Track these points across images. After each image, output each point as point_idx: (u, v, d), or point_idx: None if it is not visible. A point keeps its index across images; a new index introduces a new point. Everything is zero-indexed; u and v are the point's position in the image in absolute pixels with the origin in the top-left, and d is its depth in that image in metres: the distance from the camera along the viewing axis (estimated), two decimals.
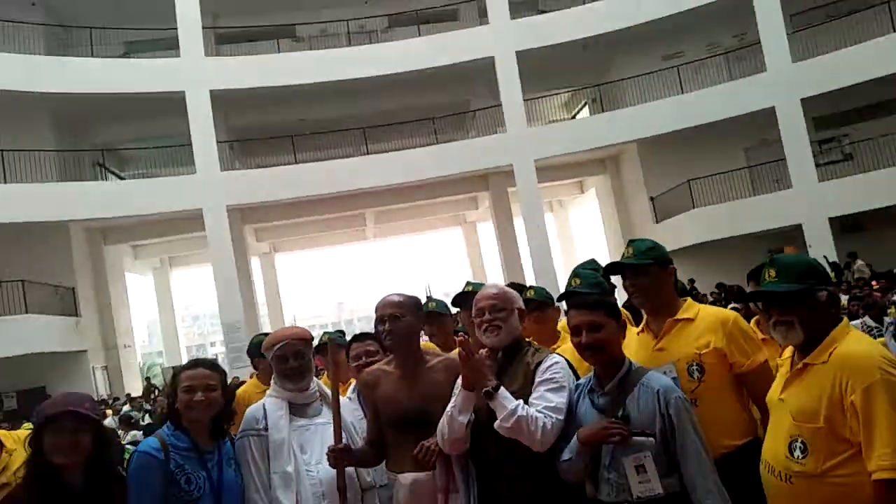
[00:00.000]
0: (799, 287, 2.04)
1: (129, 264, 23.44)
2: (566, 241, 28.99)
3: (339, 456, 2.48)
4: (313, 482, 2.55)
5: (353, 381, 3.19)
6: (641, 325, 2.73)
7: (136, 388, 19.94)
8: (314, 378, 2.80)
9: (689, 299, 2.68)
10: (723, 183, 18.45)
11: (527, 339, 2.62)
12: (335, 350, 3.72)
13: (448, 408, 2.39)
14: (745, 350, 2.45)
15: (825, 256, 15.41)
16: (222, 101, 18.62)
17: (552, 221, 27.87)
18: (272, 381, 2.81)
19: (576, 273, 3.08)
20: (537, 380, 2.37)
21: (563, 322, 3.36)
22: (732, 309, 9.05)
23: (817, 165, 17.44)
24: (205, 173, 18.16)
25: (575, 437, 2.22)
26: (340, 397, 2.74)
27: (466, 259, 28.87)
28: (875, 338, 6.50)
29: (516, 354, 2.50)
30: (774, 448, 2.09)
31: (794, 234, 17.59)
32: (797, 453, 1.98)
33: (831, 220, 16.81)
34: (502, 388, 2.29)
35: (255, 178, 19.47)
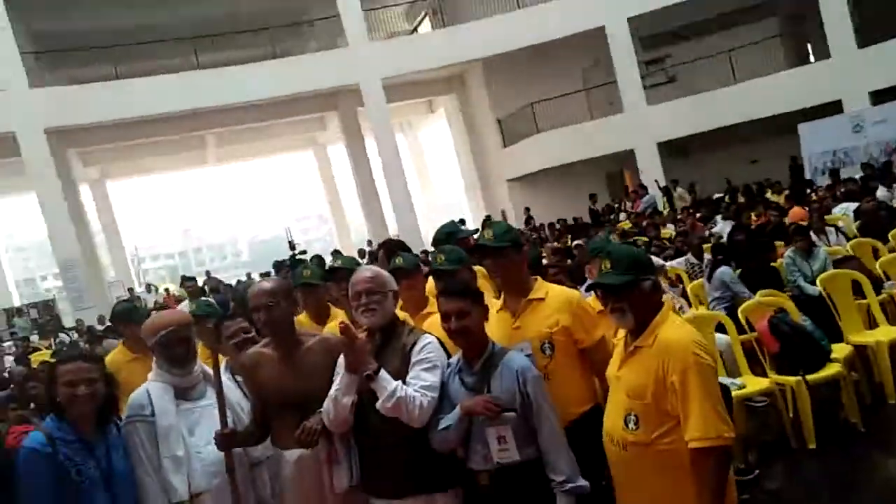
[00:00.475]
0: (627, 279, 2.31)
1: None
2: (419, 162, 29.17)
3: (226, 438, 2.54)
4: (205, 463, 2.60)
5: (225, 360, 3.11)
6: (500, 304, 2.94)
7: None
8: (197, 361, 2.80)
9: (539, 279, 2.97)
10: (564, 106, 19.17)
11: (401, 320, 2.74)
12: (205, 326, 3.59)
13: (332, 391, 2.49)
14: (585, 327, 2.77)
15: (656, 181, 16.74)
16: (20, 2, 16.31)
17: (404, 142, 27.85)
18: (154, 366, 2.78)
19: (439, 250, 3.23)
20: (413, 359, 2.54)
21: (430, 286, 3.43)
22: (574, 245, 9.53)
23: (644, 88, 18.52)
24: (12, 91, 15.98)
25: (458, 407, 2.42)
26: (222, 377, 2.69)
27: (321, 183, 28.23)
28: (697, 276, 7.18)
29: (392, 335, 2.65)
30: (612, 421, 2.38)
31: (627, 157, 18.83)
32: (631, 425, 2.28)
33: (659, 144, 18.09)
34: (382, 370, 2.44)
35: (74, 95, 17.19)
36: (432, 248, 4.00)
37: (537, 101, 19.08)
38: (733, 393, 4.49)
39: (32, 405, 4.90)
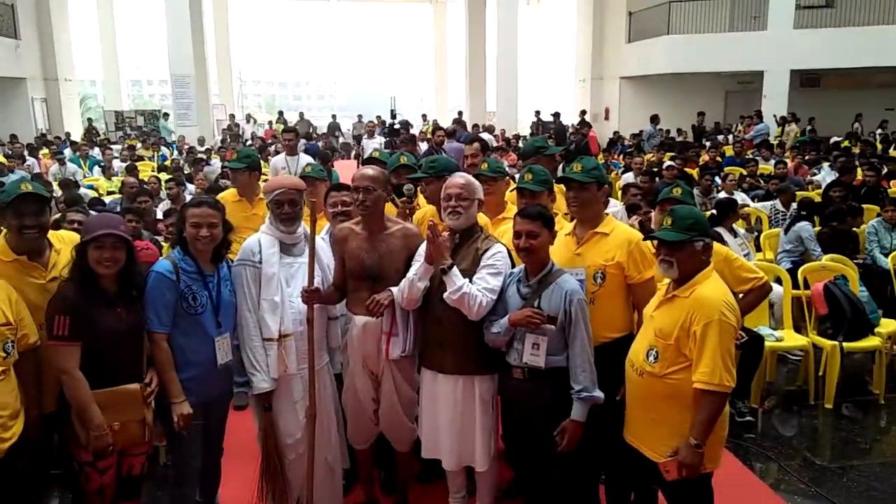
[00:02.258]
0: (681, 237, 2.60)
1: None
2: (535, 37, 28.24)
3: (311, 295, 2.98)
4: (293, 311, 3.06)
5: (327, 224, 3.58)
6: (570, 228, 3.23)
7: (74, 127, 19.56)
8: (302, 222, 3.19)
9: (610, 215, 3.23)
10: (703, 11, 18.00)
11: (479, 225, 3.10)
12: (317, 189, 4.08)
13: (409, 274, 2.93)
14: (638, 266, 3.03)
15: (774, 115, 15.86)
16: None
17: (526, 15, 26.91)
18: (267, 220, 3.20)
19: (529, 169, 3.46)
20: (482, 263, 2.90)
21: (510, 194, 3.77)
22: (666, 166, 9.47)
23: (797, 7, 17.08)
24: None
25: (506, 318, 2.83)
26: (317, 238, 3.16)
27: (432, 39, 27.90)
28: (779, 223, 7.14)
29: (469, 238, 3.01)
30: (637, 351, 2.75)
31: (752, 79, 17.74)
32: (651, 358, 2.65)
33: (793, 72, 16.94)
34: (455, 267, 2.84)
35: None
36: (521, 150, 4.28)
37: (676, 1, 17.97)
38: (769, 343, 4.78)
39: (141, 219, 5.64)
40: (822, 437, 4.65)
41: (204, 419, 2.99)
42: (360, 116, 21.56)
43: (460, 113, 20.08)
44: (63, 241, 2.94)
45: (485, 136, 15.70)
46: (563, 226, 3.27)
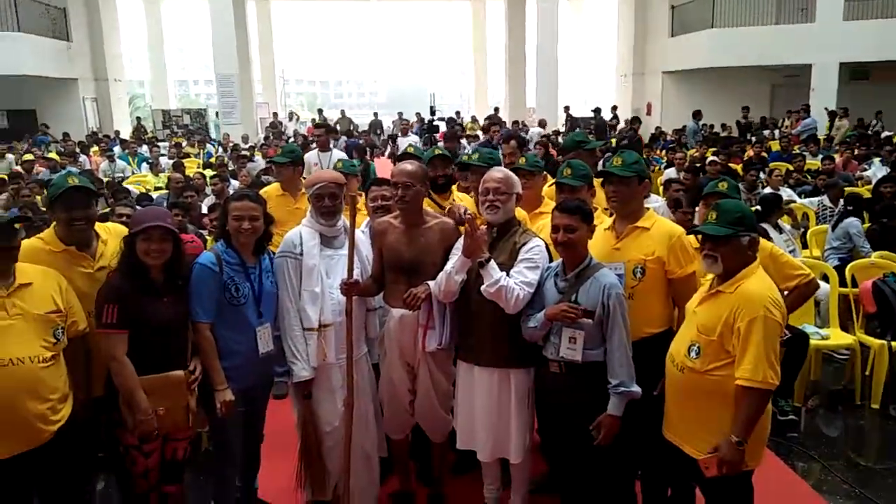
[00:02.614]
0: (727, 232, 2.55)
1: None
2: (576, 32, 28.01)
3: (350, 287, 3.04)
4: (333, 302, 3.13)
5: (367, 218, 3.65)
6: (609, 223, 3.20)
7: (123, 125, 20.13)
8: (342, 216, 3.24)
9: (651, 210, 3.18)
10: (748, 3, 17.58)
11: (517, 219, 3.11)
12: (349, 183, 4.13)
13: (448, 266, 2.95)
14: (679, 262, 2.98)
15: (826, 108, 15.42)
16: None
17: (566, 10, 26.72)
18: (308, 213, 3.27)
19: (568, 164, 3.43)
20: (520, 257, 2.91)
21: (548, 189, 3.76)
22: (709, 161, 9.27)
23: None
24: None
25: (543, 312, 2.82)
26: (357, 231, 3.22)
27: (471, 37, 27.89)
28: (826, 220, 6.95)
29: (507, 232, 3.02)
30: (678, 346, 2.70)
31: (799, 72, 17.28)
32: (692, 354, 2.60)
33: (842, 65, 16.44)
34: (492, 261, 2.86)
35: None
36: (560, 144, 4.24)
37: None
38: (814, 342, 4.68)
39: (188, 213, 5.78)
40: (868, 438, 4.54)
41: (245, 406, 3.07)
42: (399, 114, 21.71)
43: (496, 109, 20.04)
44: (110, 233, 3.05)
45: (535, 129, 15.67)
46: (603, 220, 3.25)
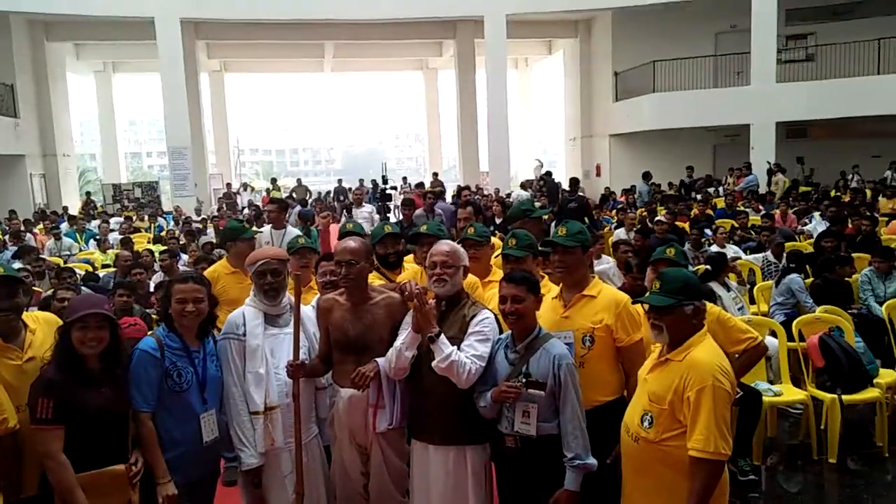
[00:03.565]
0: (669, 302, 2.57)
1: (71, 64, 22.32)
2: (525, 100, 28.94)
3: (296, 369, 2.98)
4: (279, 383, 3.05)
5: (317, 295, 3.58)
6: (556, 292, 3.20)
7: (72, 200, 19.77)
8: (286, 293, 3.20)
9: (596, 278, 3.24)
10: (687, 69, 18.47)
11: (465, 292, 3.08)
12: (307, 260, 4.14)
13: (397, 343, 2.91)
14: (627, 329, 3.03)
15: (768, 161, 16.11)
16: None
17: (515, 78, 27.64)
18: (251, 292, 3.21)
19: (513, 234, 3.47)
20: (470, 330, 2.88)
21: (497, 259, 3.78)
22: (655, 221, 9.50)
23: (779, 62, 17.51)
24: None
25: (489, 394, 2.80)
26: (305, 308, 3.18)
27: (424, 105, 28.53)
28: (772, 275, 7.14)
29: (456, 305, 3.00)
30: (632, 415, 2.69)
31: (739, 132, 18.09)
32: (646, 423, 2.58)
33: (779, 123, 17.27)
34: (443, 335, 2.82)
35: None
36: (508, 215, 4.28)
37: (660, 60, 18.48)
38: (767, 399, 4.72)
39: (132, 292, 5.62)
40: (828, 493, 4.54)
41: (189, 500, 2.92)
42: (361, 181, 21.84)
43: (435, 174, 20.38)
44: (38, 322, 2.94)
45: (518, 192, 15.88)
46: (550, 289, 3.28)
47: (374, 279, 3.50)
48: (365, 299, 3.10)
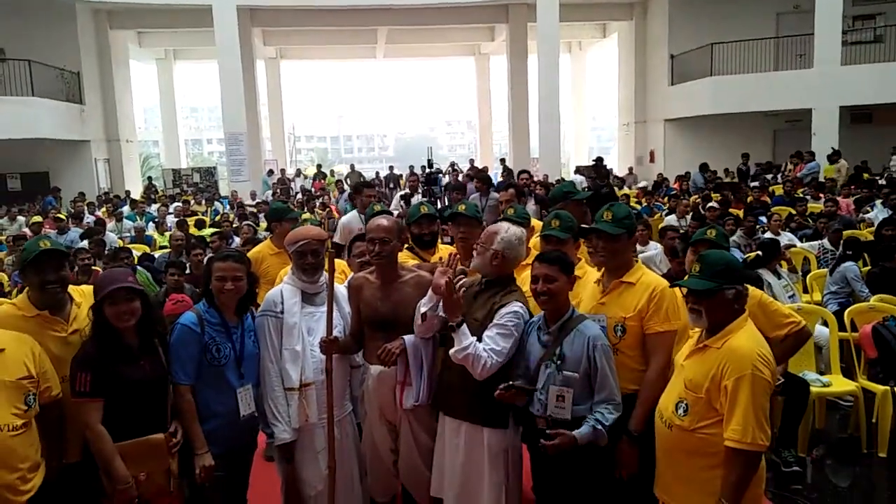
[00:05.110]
0: (709, 286, 2.48)
1: (134, 52, 23.01)
2: (578, 84, 28.48)
3: (329, 345, 3.03)
4: (314, 360, 3.11)
5: (352, 274, 3.64)
6: (598, 275, 3.11)
7: (134, 185, 20.49)
8: (323, 272, 3.23)
9: (639, 264, 3.08)
10: (746, 51, 17.84)
11: (511, 279, 3.02)
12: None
13: (422, 305, 2.92)
14: (657, 317, 2.87)
15: (832, 147, 15.47)
16: None
17: (568, 63, 27.21)
18: (290, 271, 3.28)
19: (556, 215, 3.40)
20: (495, 320, 2.83)
21: (535, 241, 3.75)
22: (708, 207, 9.23)
23: (844, 44, 16.73)
24: None
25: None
26: (339, 287, 3.22)
27: (475, 91, 28.42)
28: (828, 263, 6.89)
29: (492, 288, 2.97)
30: (666, 402, 2.62)
31: (801, 117, 17.41)
32: (680, 411, 2.52)
33: (843, 108, 16.55)
34: (464, 325, 2.80)
35: None
36: (549, 196, 4.22)
37: (718, 43, 17.89)
38: (815, 390, 4.58)
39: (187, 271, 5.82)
40: (877, 488, 4.39)
41: (225, 471, 3.01)
42: (411, 167, 21.98)
43: (503, 161, 20.29)
44: (84, 295, 3.05)
45: (577, 177, 15.70)
46: (587, 271, 3.21)
47: (409, 259, 3.53)
48: (395, 277, 3.13)
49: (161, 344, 2.91)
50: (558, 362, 2.74)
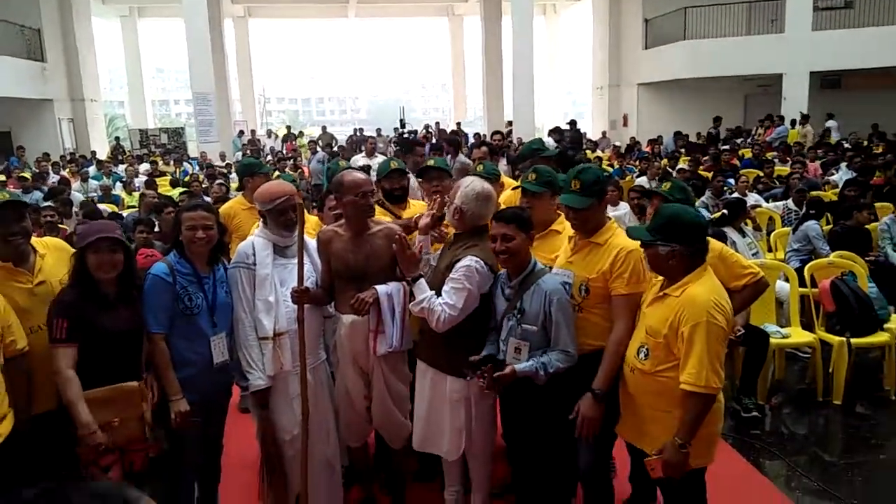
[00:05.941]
0: (645, 238, 2.65)
1: (97, 9, 22.33)
2: (553, 48, 28.36)
3: (301, 295, 3.04)
4: (288, 310, 3.12)
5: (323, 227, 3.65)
6: (570, 233, 3.08)
7: (100, 145, 20.03)
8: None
9: (610, 223, 3.01)
10: (719, 15, 17.91)
11: (481, 234, 3.04)
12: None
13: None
14: (621, 279, 2.83)
15: (801, 112, 15.69)
16: None
17: (542, 25, 27.04)
18: (260, 224, 3.29)
19: (534, 169, 3.35)
20: (451, 274, 2.89)
21: (507, 194, 3.79)
22: (678, 169, 9.32)
23: (815, 9, 16.88)
24: None
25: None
26: (310, 240, 3.23)
27: (449, 53, 28.14)
28: (792, 223, 7.03)
29: (458, 242, 3.04)
30: (630, 348, 2.76)
31: (772, 82, 17.59)
32: (641, 355, 2.66)
33: (813, 73, 16.75)
34: (422, 279, 2.91)
35: None
36: (518, 154, 4.27)
37: (692, 6, 17.91)
38: (775, 340, 4.75)
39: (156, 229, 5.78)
40: (831, 434, 4.59)
41: (201, 416, 3.05)
42: (378, 130, 21.81)
43: (458, 124, 20.24)
44: (47, 247, 3.02)
45: (548, 139, 15.68)
46: (566, 227, 3.21)
47: (382, 215, 3.55)
48: (364, 229, 3.17)
49: (139, 296, 2.92)
50: (518, 316, 2.82)
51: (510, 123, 19.51)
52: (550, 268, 3.03)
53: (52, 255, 2.97)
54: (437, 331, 2.87)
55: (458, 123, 20.55)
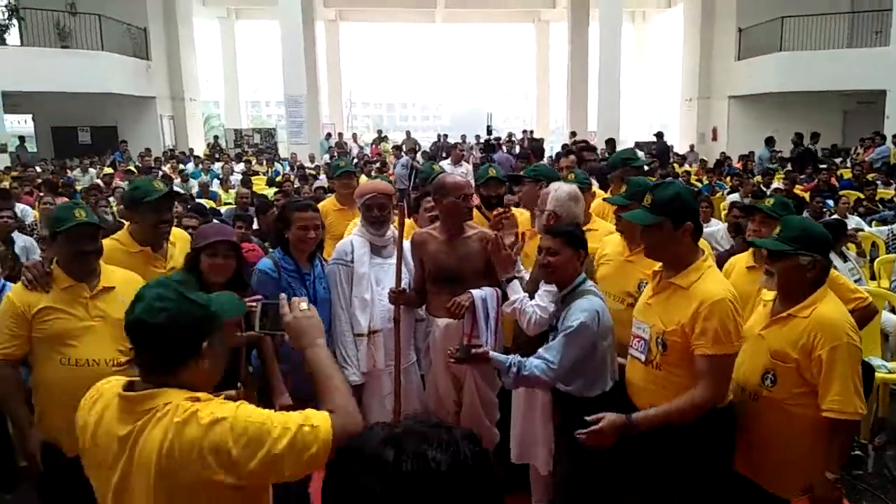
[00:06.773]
0: (785, 248, 2.45)
1: (198, 10, 23.36)
2: (640, 56, 27.79)
3: (398, 295, 3.13)
4: (382, 309, 3.23)
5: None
6: (658, 267, 2.68)
7: (197, 143, 20.95)
8: (390, 225, 3.36)
9: (700, 260, 2.51)
10: (819, 26, 17.10)
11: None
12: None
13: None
14: (700, 335, 2.38)
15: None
16: None
17: (630, 32, 26.55)
18: (359, 222, 3.39)
19: (627, 181, 3.34)
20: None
21: (596, 207, 3.75)
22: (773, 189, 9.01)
23: None
24: None
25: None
26: (406, 242, 3.31)
27: (534, 60, 28.01)
28: None
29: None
30: (749, 374, 2.56)
31: (874, 98, 16.66)
32: (768, 382, 2.48)
33: None
34: (515, 280, 2.95)
35: None
36: (608, 163, 4.23)
37: (790, 16, 17.19)
38: (880, 375, 4.50)
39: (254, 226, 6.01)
40: None
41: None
42: (463, 137, 21.97)
43: (573, 134, 19.94)
44: (176, 237, 3.22)
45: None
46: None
47: (477, 220, 3.60)
48: (460, 233, 3.21)
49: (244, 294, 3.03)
50: (555, 332, 2.75)
51: (573, 134, 19.23)
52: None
53: (182, 244, 3.16)
54: (529, 333, 2.87)
55: (531, 132, 20.39)
